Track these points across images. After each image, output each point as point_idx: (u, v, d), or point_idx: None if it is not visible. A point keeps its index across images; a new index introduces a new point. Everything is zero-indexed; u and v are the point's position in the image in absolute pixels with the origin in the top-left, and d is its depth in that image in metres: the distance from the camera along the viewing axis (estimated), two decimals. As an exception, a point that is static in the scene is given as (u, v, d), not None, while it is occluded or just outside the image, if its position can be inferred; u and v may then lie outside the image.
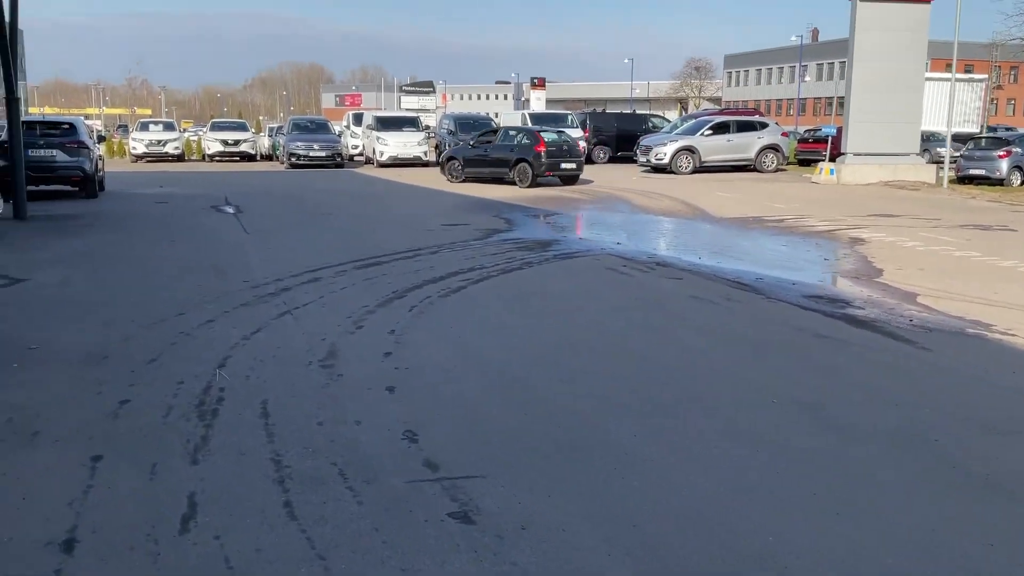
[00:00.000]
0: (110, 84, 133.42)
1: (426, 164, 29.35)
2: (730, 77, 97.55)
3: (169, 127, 34.95)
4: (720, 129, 26.51)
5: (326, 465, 4.19)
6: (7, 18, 13.48)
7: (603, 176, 25.49)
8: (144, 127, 34.49)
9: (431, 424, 4.77)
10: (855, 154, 23.29)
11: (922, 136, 25.24)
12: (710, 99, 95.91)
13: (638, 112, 42.21)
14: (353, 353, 6.21)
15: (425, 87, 65.65)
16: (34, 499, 3.78)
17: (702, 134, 26.22)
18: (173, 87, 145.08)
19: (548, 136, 22.31)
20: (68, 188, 17.84)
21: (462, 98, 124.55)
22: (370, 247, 11.40)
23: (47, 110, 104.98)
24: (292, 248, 11.45)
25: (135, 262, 10.19)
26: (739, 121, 27.29)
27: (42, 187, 17.64)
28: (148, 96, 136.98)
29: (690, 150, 25.93)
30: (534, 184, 21.14)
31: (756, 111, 36.88)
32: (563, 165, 21.85)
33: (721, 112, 31.97)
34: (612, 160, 32.98)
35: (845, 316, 7.65)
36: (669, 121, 35.66)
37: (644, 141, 27.44)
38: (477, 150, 22.76)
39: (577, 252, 11.24)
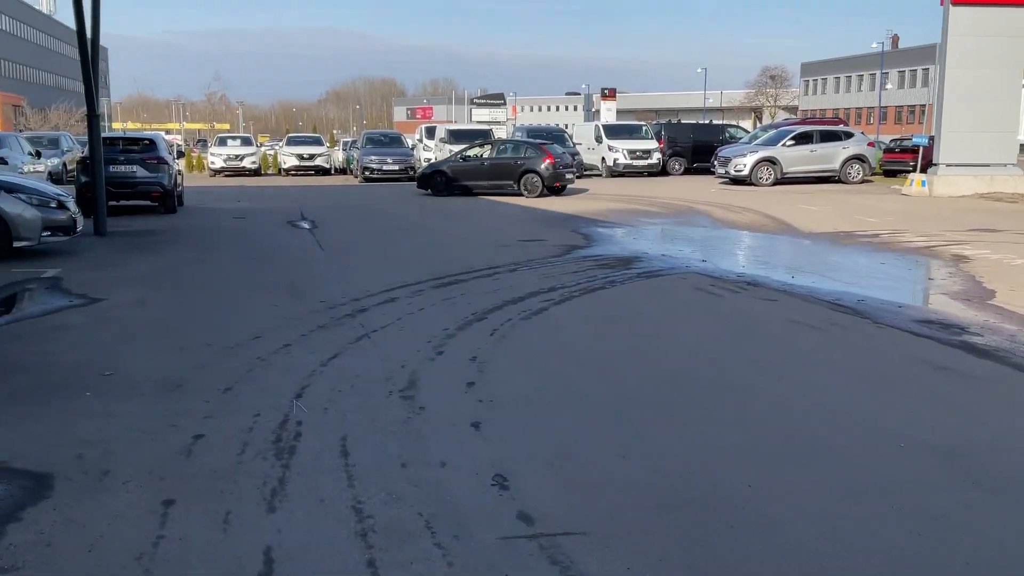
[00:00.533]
0: (190, 100, 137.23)
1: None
2: (807, 85, 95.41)
3: (246, 142, 35.52)
4: (803, 139, 25.63)
5: (411, 515, 3.83)
6: (88, 36, 13.63)
7: (679, 189, 24.88)
8: (222, 142, 35.11)
9: (522, 468, 4.37)
10: (947, 164, 22.22)
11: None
12: (786, 108, 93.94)
13: (715, 122, 41.37)
14: (434, 382, 5.86)
15: (496, 99, 65.64)
16: (101, 551, 3.50)
17: (784, 144, 25.39)
18: (250, 102, 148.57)
19: (554, 149, 23.28)
20: (148, 203, 18.06)
21: (532, 110, 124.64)
22: (446, 264, 11.10)
23: (129, 125, 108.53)
24: (367, 265, 11.23)
25: (211, 281, 10.07)
26: (822, 131, 26.37)
27: (122, 202, 17.89)
28: (226, 111, 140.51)
29: (771, 161, 25.12)
30: (543, 195, 21.59)
31: (840, 120, 35.72)
32: (567, 175, 22.62)
33: (803, 121, 31.02)
34: (687, 172, 32.33)
35: (964, 344, 7.01)
36: (747, 131, 34.83)
37: (722, 152, 26.72)
38: (469, 163, 22.61)
39: (661, 270, 10.75)
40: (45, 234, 11.19)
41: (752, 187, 24.82)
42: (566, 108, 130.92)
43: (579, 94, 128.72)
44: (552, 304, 8.58)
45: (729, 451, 4.62)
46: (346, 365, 6.28)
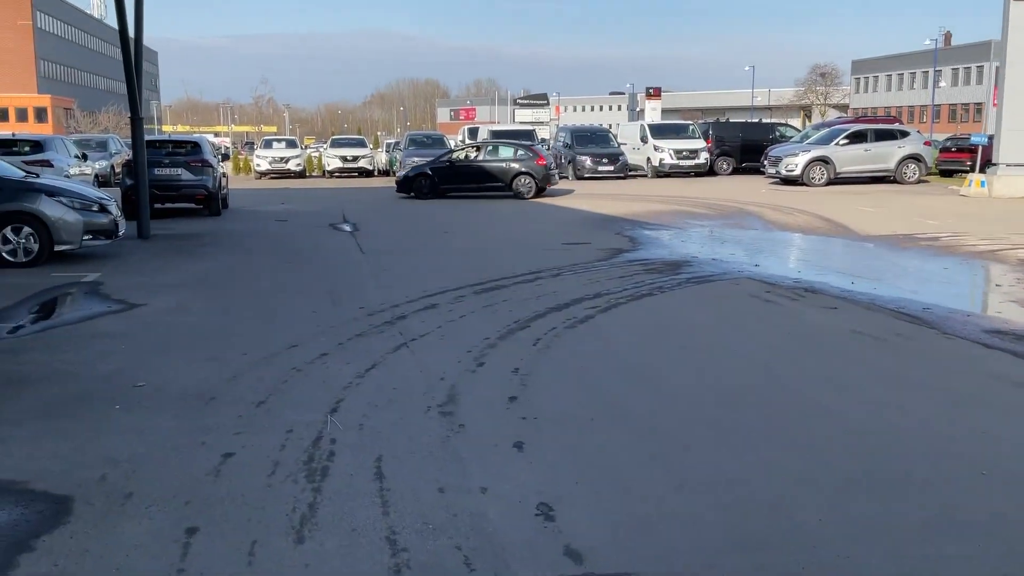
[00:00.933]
0: (238, 103, 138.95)
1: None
2: (858, 83, 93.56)
3: (291, 144, 35.63)
4: (857, 138, 24.90)
5: (449, 549, 3.53)
6: (131, 37, 13.59)
7: (727, 189, 24.33)
8: (268, 144, 35.26)
9: (569, 496, 4.05)
10: (1008, 164, 21.36)
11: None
12: (836, 106, 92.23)
13: (764, 121, 40.59)
14: (475, 397, 5.56)
15: (539, 100, 65.35)
16: (117, 585, 3.26)
17: (837, 143, 24.68)
18: (296, 105, 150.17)
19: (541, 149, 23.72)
20: (192, 206, 18.07)
21: (575, 110, 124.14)
22: (488, 269, 10.82)
23: (179, 128, 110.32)
24: (408, 269, 10.99)
25: (251, 286, 9.90)
26: (877, 129, 25.59)
27: (167, 205, 17.92)
28: (273, 114, 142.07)
29: (824, 161, 24.44)
30: (537, 195, 21.86)
31: (895, 118, 34.77)
32: (557, 177, 23.51)
33: (856, 120, 30.19)
34: (735, 172, 31.70)
35: (1043, 358, 6.53)
36: (797, 130, 34.07)
37: (773, 151, 26.08)
38: (455, 166, 22.31)
39: (712, 275, 10.34)
40: (86, 238, 11.13)
41: (804, 187, 24.18)
42: (610, 108, 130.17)
43: (623, 93, 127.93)
44: (598, 312, 8.24)
45: (797, 480, 4.25)
46: (383, 377, 6.01)
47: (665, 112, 57.97)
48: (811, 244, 13.48)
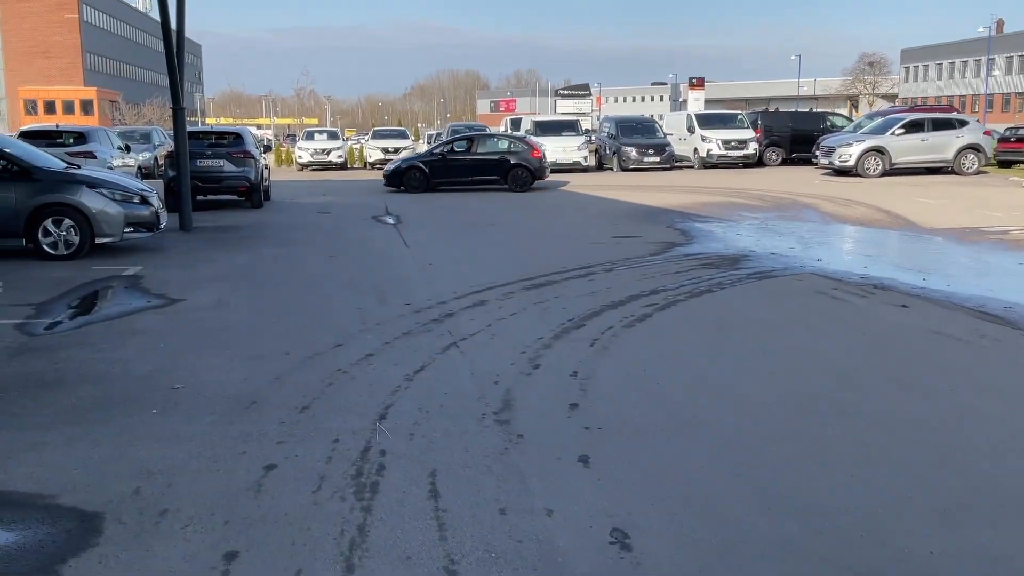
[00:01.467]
0: (280, 95, 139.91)
1: (585, 170, 28.32)
2: (907, 72, 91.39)
3: (333, 136, 35.49)
4: (913, 127, 24.03)
5: (515, 582, 3.15)
6: (173, 28, 13.39)
7: (778, 180, 23.63)
8: (310, 136, 35.17)
9: (644, 519, 3.65)
10: (1076, 154, 20.46)
11: None
12: (884, 96, 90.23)
13: (815, 110, 39.62)
14: (532, 403, 5.18)
15: (581, 90, 64.58)
16: (148, 620, 2.93)
17: (892, 133, 23.85)
18: (337, 97, 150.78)
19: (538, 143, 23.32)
20: (235, 198, 17.91)
21: (616, 100, 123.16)
22: (537, 263, 10.43)
23: (222, 120, 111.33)
24: (454, 263, 10.64)
25: (293, 280, 9.61)
26: (934, 119, 24.69)
27: (209, 197, 17.78)
28: (314, 106, 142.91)
29: (879, 151, 23.64)
30: (529, 188, 21.40)
31: (952, 107, 33.68)
32: (550, 170, 23.29)
33: (912, 109, 29.24)
34: (785, 162, 30.90)
35: None
36: (850, 120, 33.13)
37: (826, 141, 25.30)
38: (448, 159, 21.76)
39: (773, 270, 9.84)
40: (127, 230, 10.94)
41: (858, 179, 23.40)
42: (651, 99, 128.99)
43: (665, 84, 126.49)
44: (656, 310, 7.81)
45: (895, 501, 3.81)
46: (433, 380, 5.65)
47: (708, 102, 57.02)
48: (873, 237, 12.88)
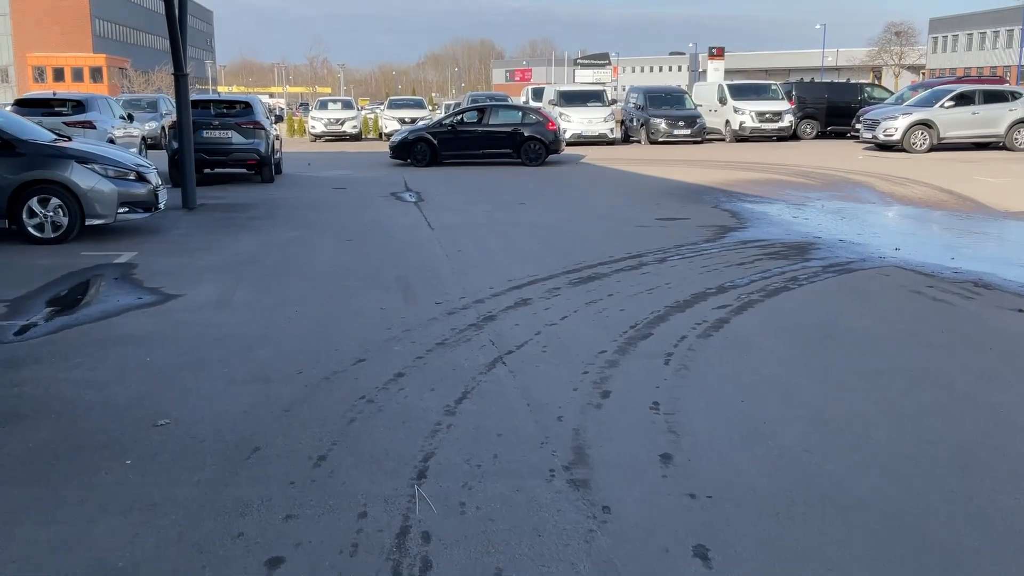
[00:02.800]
0: (293, 64, 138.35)
1: (611, 142, 27.00)
2: (935, 42, 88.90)
3: (347, 105, 34.19)
4: (963, 100, 22.56)
5: None
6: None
7: (819, 155, 22.28)
8: (323, 105, 33.90)
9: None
10: None
11: None
12: (910, 67, 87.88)
13: (852, 81, 38.04)
14: (611, 454, 4.04)
15: (600, 59, 62.97)
16: None
17: (941, 106, 22.41)
18: (351, 66, 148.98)
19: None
20: (243, 171, 16.78)
21: (634, 71, 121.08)
22: (578, 250, 9.28)
23: (235, 89, 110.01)
24: (486, 250, 9.48)
25: (307, 270, 8.47)
26: (986, 90, 23.18)
27: (216, 170, 16.66)
28: (328, 75, 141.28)
29: (927, 124, 22.22)
30: (543, 162, 20.25)
31: (1002, 78, 32.08)
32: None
33: (960, 80, 27.70)
34: (820, 136, 29.48)
35: None
36: (889, 91, 31.63)
37: (869, 114, 23.87)
38: (458, 131, 20.52)
39: (850, 262, 8.64)
40: (122, 210, 9.82)
41: (904, 154, 22.03)
42: (670, 68, 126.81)
43: (684, 54, 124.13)
44: (731, 313, 6.65)
45: None
46: (481, 413, 4.52)
47: (728, 73, 55.20)
48: (948, 222, 11.62)
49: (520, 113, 21.47)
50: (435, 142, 20.33)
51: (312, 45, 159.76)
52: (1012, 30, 74.62)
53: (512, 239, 10.25)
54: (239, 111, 16.69)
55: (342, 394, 4.80)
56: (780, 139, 28.04)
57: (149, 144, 20.95)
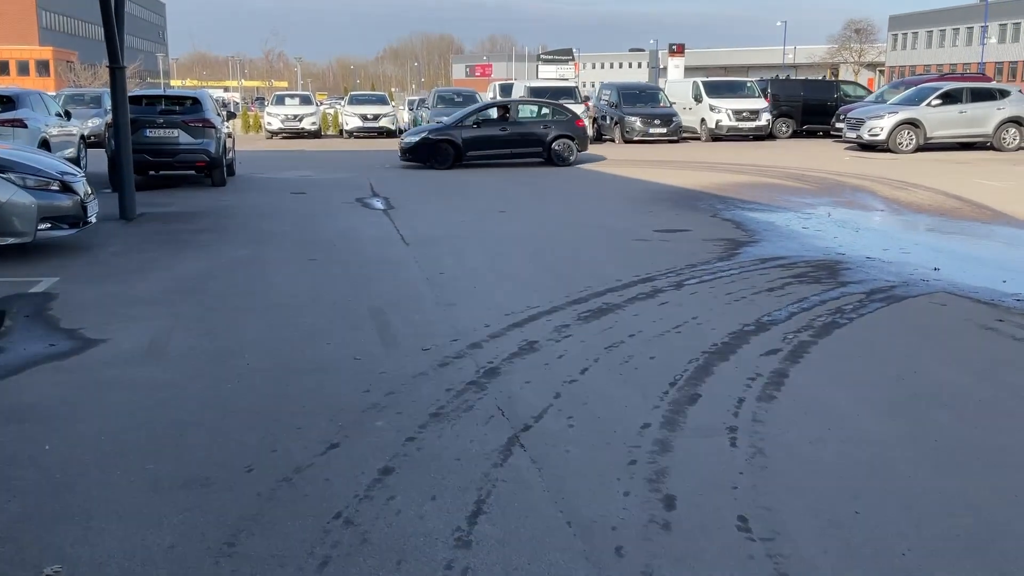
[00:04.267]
0: (248, 57, 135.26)
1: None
2: (895, 40, 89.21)
3: (306, 100, 32.55)
4: (950, 98, 21.73)
5: None
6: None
7: (802, 156, 21.31)
8: (280, 100, 32.24)
9: None
10: None
11: None
12: (869, 65, 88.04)
13: (827, 79, 37.34)
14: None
15: (563, 55, 61.72)
16: None
17: (928, 104, 21.55)
18: (308, 59, 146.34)
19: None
20: (192, 173, 15.29)
21: (594, 67, 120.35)
22: (579, 271, 8.05)
23: (188, 83, 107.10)
24: (471, 271, 8.20)
25: (261, 302, 7.10)
26: (973, 88, 22.38)
27: (163, 173, 15.15)
28: (284, 68, 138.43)
29: (913, 124, 21.34)
30: (575, 162, 19.10)
31: (984, 75, 31.47)
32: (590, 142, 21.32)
33: (944, 77, 26.93)
34: (796, 135, 28.59)
35: None
36: (866, 89, 30.88)
37: (852, 112, 22.94)
38: (482, 130, 18.78)
39: (892, 287, 7.50)
40: (43, 227, 8.35)
41: (889, 155, 21.13)
42: (629, 65, 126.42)
43: (643, 51, 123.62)
44: (785, 361, 5.44)
45: None
46: (507, 543, 3.24)
47: (688, 70, 54.32)
48: (974, 233, 10.56)
49: (548, 109, 19.92)
50: (460, 143, 18.57)
51: (268, 38, 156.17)
52: (972, 27, 75.01)
53: (499, 257, 8.98)
54: (187, 108, 15.20)
55: (308, 508, 3.48)
56: (756, 138, 27.08)
57: (92, 143, 19.25)
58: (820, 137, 28.16)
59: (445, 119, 24.53)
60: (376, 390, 4.87)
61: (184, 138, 14.62)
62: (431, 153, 18.57)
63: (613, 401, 4.76)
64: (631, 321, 6.41)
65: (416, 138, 19.09)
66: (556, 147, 18.93)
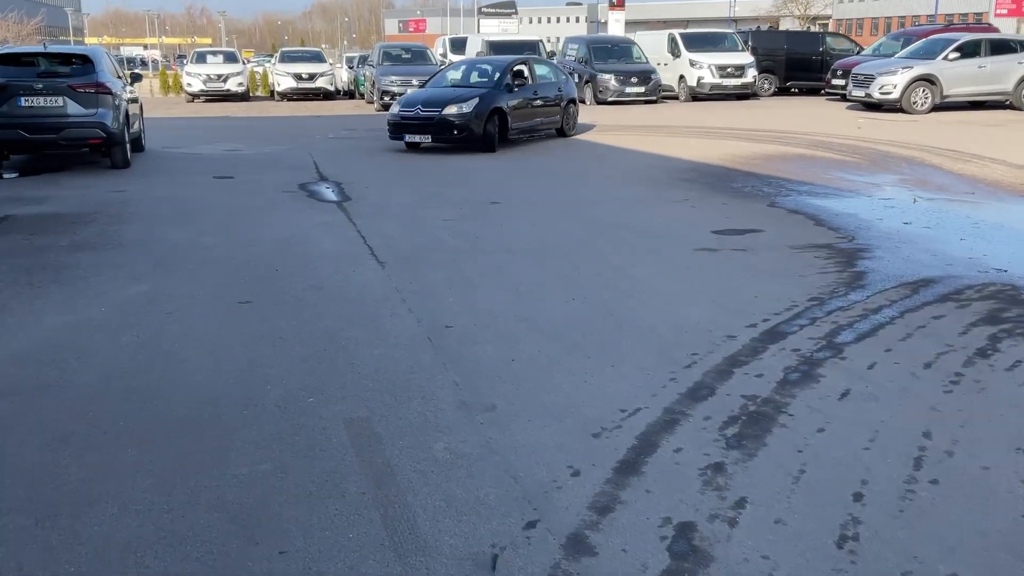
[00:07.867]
0: (169, 13, 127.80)
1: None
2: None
3: (231, 58, 28.80)
4: (968, 51, 19.33)
5: None
6: None
7: (803, 118, 18.72)
8: (201, 58, 28.44)
9: None
10: None
11: None
12: (815, 18, 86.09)
13: (812, 31, 34.90)
14: None
15: (506, 8, 58.36)
16: None
17: (945, 58, 19.11)
18: (232, 15, 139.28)
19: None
20: (85, 151, 12.02)
21: (530, 22, 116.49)
22: (659, 318, 5.23)
23: (105, 40, 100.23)
24: (495, 323, 5.26)
25: (159, 412, 4.09)
26: (992, 40, 20.01)
27: (48, 153, 11.84)
28: (208, 24, 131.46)
29: (929, 80, 18.91)
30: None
31: (989, 25, 29.23)
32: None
33: (946, 29, 24.56)
34: (780, 92, 26.08)
35: None
36: (852, 41, 28.43)
37: (860, 68, 20.38)
38: (518, 95, 14.31)
39: None
40: None
41: (903, 115, 18.70)
42: (567, 20, 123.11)
43: (582, 4, 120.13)
44: None
45: None
46: None
47: (629, 25, 51.28)
48: None
49: (555, 71, 16.33)
50: (507, 111, 13.96)
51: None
52: (921, -21, 73.36)
53: (523, 289, 6.06)
54: (75, 69, 11.78)
55: None
56: (740, 97, 24.44)
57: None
58: (807, 95, 25.71)
59: (395, 77, 21.20)
60: None
61: (72, 108, 11.31)
62: (470, 131, 13.37)
63: None
64: (811, 440, 3.64)
65: (462, 112, 13.39)
66: (566, 115, 15.67)
